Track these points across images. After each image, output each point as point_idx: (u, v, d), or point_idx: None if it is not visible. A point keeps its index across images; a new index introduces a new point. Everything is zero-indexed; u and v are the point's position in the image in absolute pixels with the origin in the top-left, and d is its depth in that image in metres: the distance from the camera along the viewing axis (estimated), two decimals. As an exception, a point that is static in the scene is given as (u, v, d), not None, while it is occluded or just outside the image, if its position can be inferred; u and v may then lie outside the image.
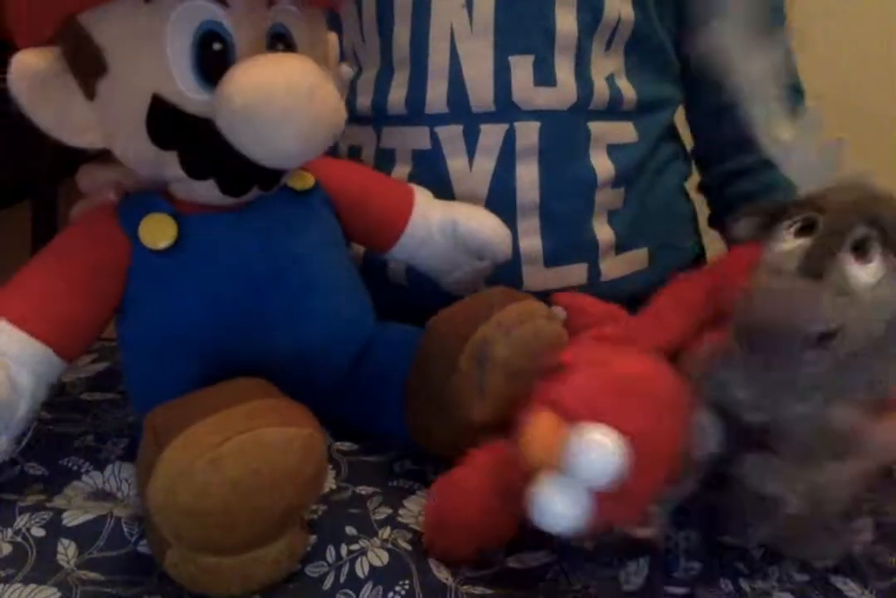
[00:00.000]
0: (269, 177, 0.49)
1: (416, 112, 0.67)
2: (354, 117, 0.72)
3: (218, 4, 0.45)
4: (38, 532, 0.46)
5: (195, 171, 0.47)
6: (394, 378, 0.54)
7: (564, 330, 0.53)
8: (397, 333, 0.57)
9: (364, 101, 0.70)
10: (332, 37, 0.55)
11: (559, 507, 0.39)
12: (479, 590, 0.44)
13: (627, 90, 0.68)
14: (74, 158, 0.54)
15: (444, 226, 0.59)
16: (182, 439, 0.39)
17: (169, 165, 0.47)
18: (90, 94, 0.46)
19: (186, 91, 0.45)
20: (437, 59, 0.65)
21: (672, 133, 0.76)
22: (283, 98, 0.42)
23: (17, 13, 0.46)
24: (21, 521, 0.47)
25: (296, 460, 0.41)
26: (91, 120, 0.47)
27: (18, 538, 0.46)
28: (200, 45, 0.45)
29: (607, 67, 0.67)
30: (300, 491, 0.42)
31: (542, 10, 0.65)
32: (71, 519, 0.47)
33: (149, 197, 0.50)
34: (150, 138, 0.46)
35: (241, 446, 0.39)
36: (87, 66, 0.46)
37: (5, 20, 0.46)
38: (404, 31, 0.66)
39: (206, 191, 0.48)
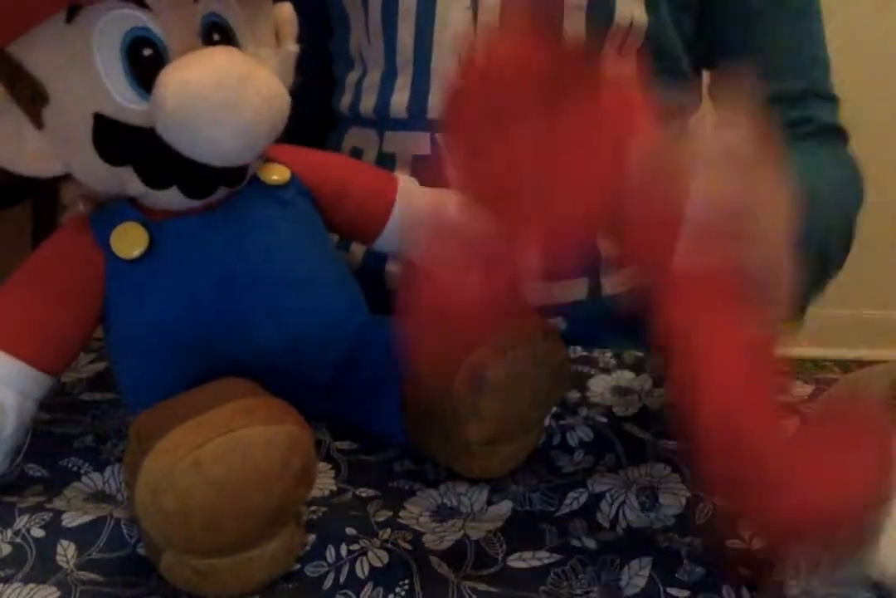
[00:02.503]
0: (232, 175, 0.48)
1: (417, 117, 0.66)
2: (358, 119, 0.71)
3: (140, 10, 0.43)
4: (38, 533, 0.46)
5: (155, 182, 0.47)
6: (390, 378, 0.54)
7: (563, 346, 0.52)
8: (391, 329, 0.56)
9: (368, 103, 0.69)
10: (285, 7, 0.52)
11: None
12: (482, 587, 0.44)
13: None
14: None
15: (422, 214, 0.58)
16: (163, 443, 0.39)
17: (128, 181, 0.47)
18: (38, 124, 0.46)
19: (126, 104, 0.44)
20: (441, 63, 0.65)
21: None
22: (212, 95, 0.41)
23: None
24: (21, 522, 0.47)
25: (279, 458, 0.41)
26: (46, 149, 0.46)
27: (18, 539, 0.46)
28: (130, 54, 0.44)
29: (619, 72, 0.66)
30: (288, 489, 0.42)
31: (549, 14, 0.64)
32: (70, 520, 0.47)
33: (118, 207, 0.49)
34: (101, 158, 0.45)
35: (222, 447, 0.39)
36: (27, 96, 0.45)
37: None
38: (408, 34, 0.66)
39: (172, 197, 0.47)
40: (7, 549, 0.45)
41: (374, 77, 0.69)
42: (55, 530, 0.47)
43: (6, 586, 0.43)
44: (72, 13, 0.43)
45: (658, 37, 0.67)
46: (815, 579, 0.42)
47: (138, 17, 0.43)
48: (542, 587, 0.45)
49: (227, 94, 0.41)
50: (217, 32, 0.46)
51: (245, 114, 0.42)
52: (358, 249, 0.71)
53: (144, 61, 0.44)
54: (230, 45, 0.46)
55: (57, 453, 0.54)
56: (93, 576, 0.44)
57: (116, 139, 0.45)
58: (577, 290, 0.68)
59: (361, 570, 0.44)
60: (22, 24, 0.43)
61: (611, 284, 0.69)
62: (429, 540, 0.47)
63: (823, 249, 0.65)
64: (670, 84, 0.70)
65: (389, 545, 0.45)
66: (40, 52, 0.44)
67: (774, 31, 0.71)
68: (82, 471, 0.52)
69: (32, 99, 0.45)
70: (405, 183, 0.59)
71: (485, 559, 0.46)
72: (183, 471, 0.39)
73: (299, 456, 0.42)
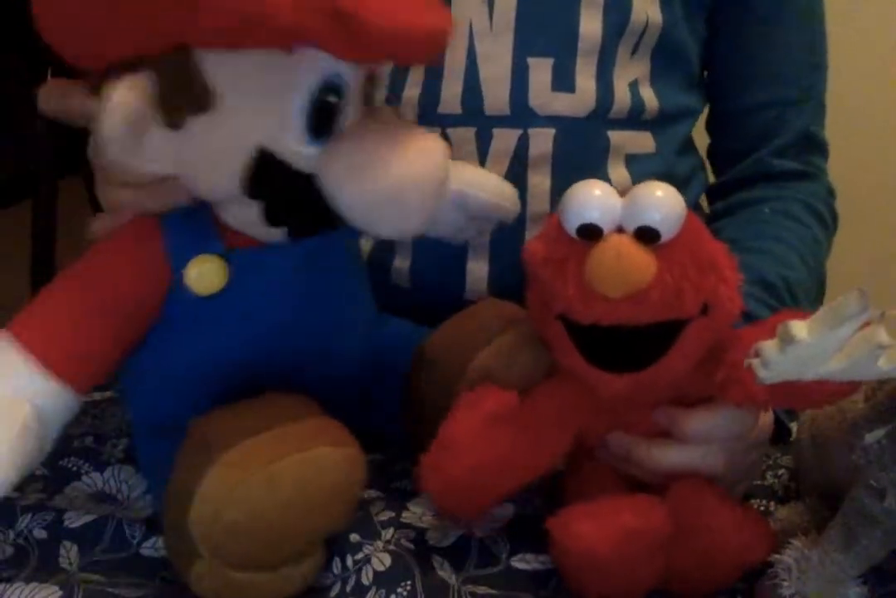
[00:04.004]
0: (339, 221, 0.45)
1: (428, 111, 0.65)
2: None
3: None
4: (40, 534, 0.47)
5: (275, 220, 0.44)
6: (390, 379, 0.54)
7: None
8: (394, 328, 0.56)
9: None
10: None
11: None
12: (482, 590, 0.44)
13: (650, 99, 0.67)
14: (74, 158, 0.52)
15: (451, 198, 0.55)
16: (237, 451, 0.39)
17: (248, 209, 0.44)
18: (175, 124, 0.42)
19: (295, 146, 0.42)
20: (454, 57, 0.64)
21: (690, 145, 0.75)
22: (426, 193, 0.41)
23: (110, 25, 0.41)
24: (23, 522, 0.47)
25: (344, 480, 0.41)
26: (166, 149, 0.42)
27: (20, 541, 0.46)
28: (319, 98, 0.42)
29: (631, 74, 0.66)
30: (345, 511, 0.43)
31: (566, 11, 0.63)
32: (72, 521, 0.47)
33: (201, 227, 0.45)
34: (242, 189, 0.43)
35: (297, 465, 0.39)
36: (185, 99, 0.41)
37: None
38: None
39: (273, 233, 0.45)
40: (9, 551, 0.46)
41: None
42: (57, 531, 0.47)
43: (8, 586, 0.43)
44: None
45: (672, 37, 0.67)
46: (806, 578, 0.42)
47: (337, 65, 0.41)
48: (541, 591, 0.45)
49: (435, 192, 0.42)
50: (369, 82, 0.45)
51: (435, 207, 0.43)
52: (364, 245, 0.71)
53: (329, 108, 0.42)
54: (373, 94, 0.46)
55: (57, 453, 0.53)
56: (96, 578, 0.44)
57: (269, 178, 0.42)
58: None
59: (366, 577, 0.44)
60: (242, 42, 0.40)
61: None
62: (432, 537, 0.47)
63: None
64: (681, 86, 0.70)
65: (392, 547, 0.46)
66: (235, 67, 0.41)
67: (776, 37, 0.71)
68: (83, 470, 0.53)
69: (191, 103, 0.41)
70: None
71: (488, 557, 0.47)
72: (255, 486, 0.38)
73: (358, 479, 0.42)
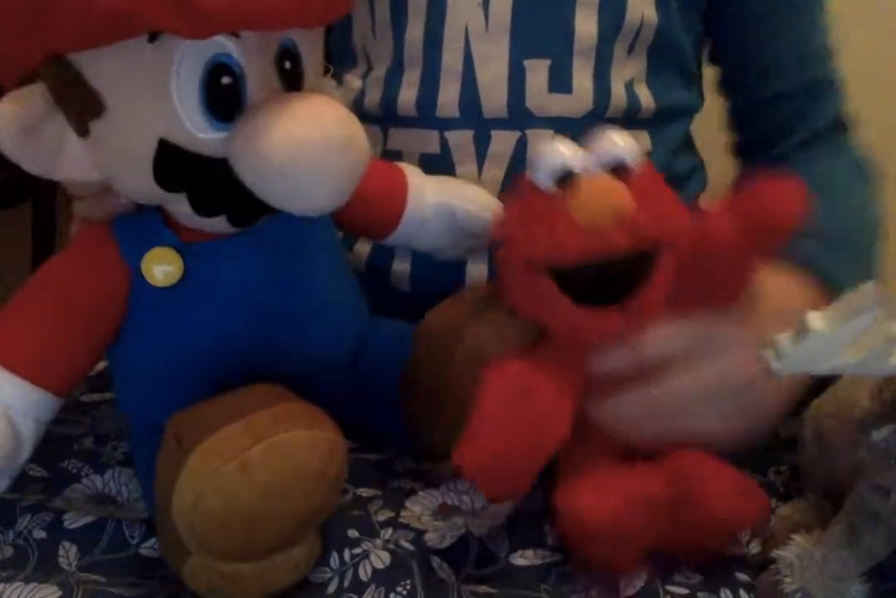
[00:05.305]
0: None
1: (426, 115, 0.65)
2: (362, 116, 0.71)
3: (225, 35, 0.41)
4: (40, 534, 0.46)
5: (206, 210, 0.44)
6: (387, 377, 0.54)
7: None
8: (389, 329, 0.56)
9: (373, 98, 0.69)
10: None
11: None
12: (482, 589, 0.44)
13: (646, 97, 0.66)
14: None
15: (439, 210, 0.57)
16: (209, 444, 0.39)
17: (177, 203, 0.44)
18: (82, 131, 0.43)
19: (196, 132, 0.41)
20: (451, 59, 0.64)
21: (689, 144, 0.75)
22: (322, 156, 0.40)
23: None
24: (22, 523, 0.47)
25: (321, 464, 0.41)
26: (84, 155, 0.44)
27: (20, 541, 0.46)
28: (209, 80, 0.41)
29: (627, 72, 0.66)
30: (325, 495, 0.42)
31: (561, 11, 0.63)
32: (72, 521, 0.47)
33: (149, 223, 0.46)
34: (156, 182, 0.43)
35: (270, 449, 0.39)
36: (77, 106, 0.42)
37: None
38: (418, 29, 0.65)
39: (215, 224, 0.45)
40: (9, 551, 0.45)
41: (379, 73, 0.68)
42: (57, 531, 0.47)
43: (7, 586, 0.43)
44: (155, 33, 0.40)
45: (668, 36, 0.67)
46: (809, 575, 0.42)
47: (223, 44, 0.40)
48: (543, 586, 0.45)
49: (333, 156, 0.40)
50: (288, 59, 0.44)
51: (344, 175, 0.41)
52: (363, 248, 0.71)
53: (222, 90, 0.41)
54: (298, 72, 0.44)
55: (57, 455, 0.54)
56: (95, 578, 0.44)
57: (178, 167, 0.42)
58: None
59: (364, 573, 0.44)
60: (96, 38, 0.39)
61: None
62: (431, 538, 0.47)
63: (870, 244, 0.66)
64: (678, 84, 0.70)
65: (391, 546, 0.45)
66: (110, 66, 0.40)
67: (778, 28, 0.70)
68: (82, 473, 0.52)
69: (83, 109, 0.42)
70: (413, 177, 0.58)
71: (487, 556, 0.47)
72: (230, 473, 0.38)
73: (337, 463, 0.42)
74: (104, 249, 0.46)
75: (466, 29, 0.63)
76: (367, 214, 0.56)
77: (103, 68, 0.41)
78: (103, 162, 0.44)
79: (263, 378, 0.46)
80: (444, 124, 0.65)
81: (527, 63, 0.63)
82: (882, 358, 0.35)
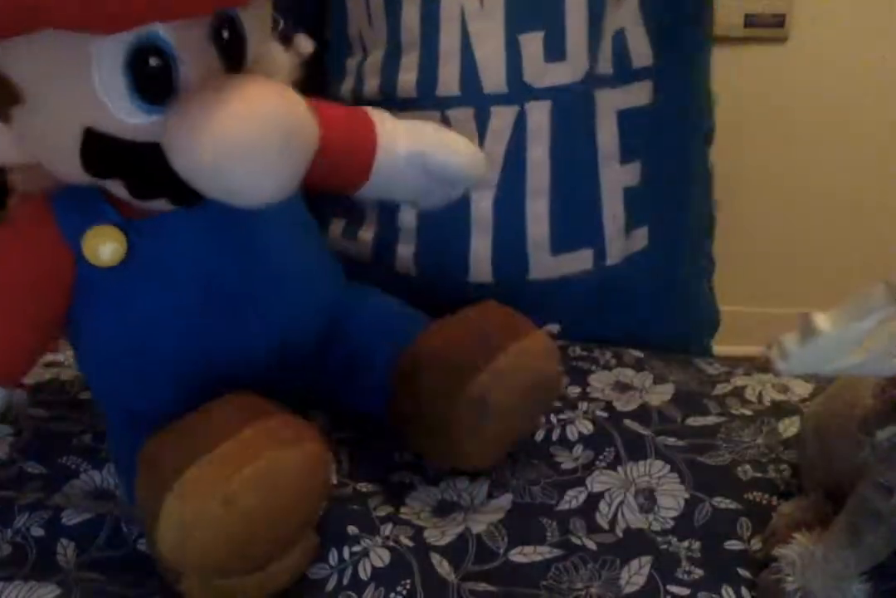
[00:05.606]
0: None
1: (426, 95, 0.66)
2: (363, 103, 0.71)
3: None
4: (38, 532, 0.46)
5: (143, 195, 0.42)
6: (375, 362, 0.52)
7: (560, 368, 0.53)
8: (371, 309, 0.55)
9: (372, 84, 0.69)
10: None
11: None
12: (481, 587, 0.44)
13: (639, 44, 0.66)
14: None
15: (411, 158, 0.53)
16: (187, 480, 0.38)
17: (112, 187, 0.42)
18: (4, 117, 0.40)
19: (126, 118, 0.39)
20: (448, 40, 0.64)
21: (699, 82, 0.73)
22: (259, 153, 0.37)
23: None
24: (20, 520, 0.47)
25: (306, 479, 0.41)
26: (9, 142, 0.41)
27: (18, 539, 0.46)
28: (134, 62, 0.38)
29: (618, 21, 0.65)
30: (314, 505, 0.42)
31: None
32: (70, 519, 0.47)
33: (89, 199, 0.43)
34: (86, 171, 0.41)
35: (251, 477, 0.39)
36: None
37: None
38: (413, 13, 0.65)
39: (156, 204, 0.43)
40: (7, 549, 0.45)
41: (376, 58, 0.69)
42: (55, 528, 0.46)
43: (6, 584, 0.43)
44: None
45: None
46: (810, 574, 0.42)
47: (153, 24, 0.38)
48: (542, 582, 0.45)
49: (272, 153, 0.37)
50: (226, 28, 0.40)
51: (285, 169, 0.39)
52: (366, 235, 0.71)
53: (150, 71, 0.38)
54: (238, 39, 0.41)
55: (56, 451, 0.53)
56: (93, 575, 0.44)
57: (108, 154, 0.40)
58: (582, 261, 0.68)
59: (364, 572, 0.44)
60: (8, 29, 0.37)
61: (614, 253, 0.69)
62: (430, 535, 0.47)
63: None
64: (677, 18, 0.68)
65: (391, 543, 0.45)
66: (23, 54, 0.38)
67: None
68: (81, 469, 0.52)
69: (3, 98, 0.40)
70: (382, 124, 0.54)
71: (486, 553, 0.46)
72: (213, 508, 0.38)
73: (322, 473, 0.42)
74: (43, 228, 0.44)
75: (462, 9, 0.64)
76: (334, 170, 0.52)
77: (18, 57, 0.38)
78: (29, 147, 0.41)
79: (231, 350, 0.45)
80: (445, 103, 0.65)
81: (521, 38, 0.64)
82: (886, 359, 0.35)
